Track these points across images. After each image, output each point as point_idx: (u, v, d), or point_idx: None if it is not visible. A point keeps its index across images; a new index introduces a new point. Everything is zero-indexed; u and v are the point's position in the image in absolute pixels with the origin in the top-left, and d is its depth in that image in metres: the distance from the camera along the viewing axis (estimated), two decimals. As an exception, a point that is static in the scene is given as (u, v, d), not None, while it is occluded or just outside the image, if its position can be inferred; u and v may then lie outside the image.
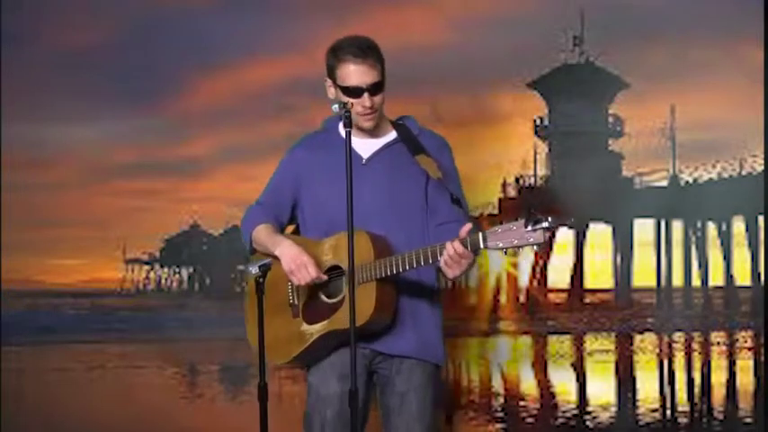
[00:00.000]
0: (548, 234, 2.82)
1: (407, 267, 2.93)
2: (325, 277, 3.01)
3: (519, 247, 2.81)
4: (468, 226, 2.88)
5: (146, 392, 11.69)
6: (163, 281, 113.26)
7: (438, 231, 3.07)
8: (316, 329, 3.02)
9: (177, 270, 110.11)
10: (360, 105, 3.00)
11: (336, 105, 2.91)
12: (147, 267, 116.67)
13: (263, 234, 3.12)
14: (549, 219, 2.78)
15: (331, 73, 3.03)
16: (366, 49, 2.99)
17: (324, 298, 3.04)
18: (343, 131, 3.11)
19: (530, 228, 2.77)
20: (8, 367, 14.48)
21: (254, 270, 2.93)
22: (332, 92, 3.06)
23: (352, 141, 3.05)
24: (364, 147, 3.11)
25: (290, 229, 3.24)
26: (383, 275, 2.94)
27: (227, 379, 12.88)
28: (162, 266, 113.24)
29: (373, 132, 3.11)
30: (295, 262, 2.99)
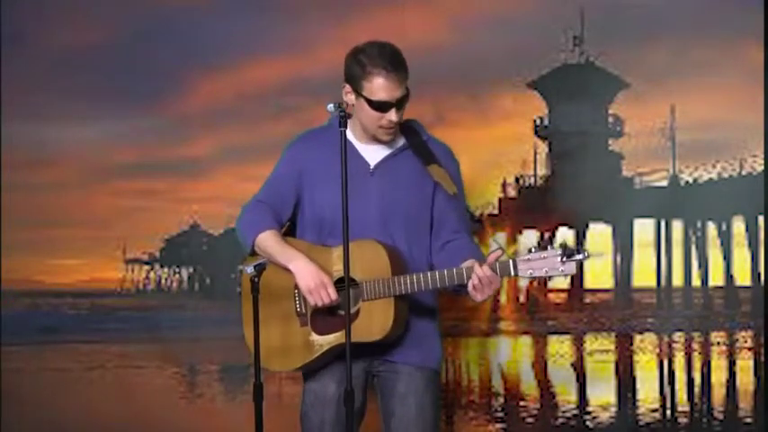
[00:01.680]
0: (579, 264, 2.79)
1: (431, 287, 2.87)
2: (339, 299, 2.92)
3: (550, 276, 2.78)
4: (499, 252, 2.82)
5: (146, 392, 11.68)
6: (163, 281, 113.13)
7: (447, 249, 3.00)
8: (327, 341, 2.94)
9: (177, 270, 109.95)
10: (386, 119, 2.90)
11: (331, 105, 2.80)
12: (147, 267, 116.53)
13: (271, 242, 2.98)
14: (586, 251, 2.77)
15: (354, 80, 2.90)
16: (398, 64, 2.87)
17: (336, 309, 2.97)
18: (349, 132, 3.01)
19: (564, 259, 2.76)
20: (8, 367, 14.47)
21: (249, 269, 2.87)
22: (351, 98, 2.93)
23: (360, 147, 2.98)
24: (372, 153, 2.99)
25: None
26: (402, 293, 2.87)
27: (226, 379, 12.89)
28: (162, 266, 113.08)
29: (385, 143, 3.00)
30: (314, 281, 2.89)
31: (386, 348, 2.98)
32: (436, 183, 2.98)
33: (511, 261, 2.80)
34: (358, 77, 2.88)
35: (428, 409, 3.01)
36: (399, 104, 2.89)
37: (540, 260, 2.78)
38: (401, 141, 3.02)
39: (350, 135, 3.02)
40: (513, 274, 2.80)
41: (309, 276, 2.90)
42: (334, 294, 2.89)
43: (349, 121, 2.98)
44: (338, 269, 2.93)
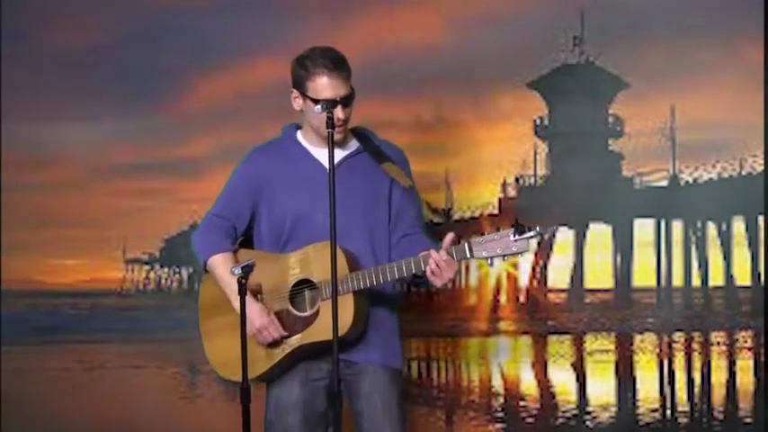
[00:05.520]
0: (533, 242, 2.86)
1: (389, 278, 2.93)
2: (285, 333, 2.98)
3: (504, 256, 2.85)
4: (451, 236, 2.90)
5: (146, 392, 11.69)
6: (163, 281, 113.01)
7: (403, 243, 3.07)
8: (289, 344, 2.98)
9: (177, 270, 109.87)
10: (333, 118, 2.96)
11: (319, 107, 2.88)
12: (147, 267, 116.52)
13: (220, 270, 3.05)
14: (537, 228, 2.82)
15: (300, 84, 3.00)
16: (339, 62, 2.97)
17: (293, 311, 2.99)
18: (302, 139, 3.11)
19: (516, 237, 2.81)
20: (8, 367, 14.46)
21: (236, 270, 2.87)
22: (299, 103, 3.03)
23: (314, 151, 3.06)
24: (327, 157, 3.00)
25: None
26: (362, 287, 2.93)
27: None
28: (162, 266, 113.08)
29: (337, 143, 3.05)
30: (259, 322, 2.96)
31: (348, 349, 3.00)
32: (392, 178, 3.06)
33: (466, 243, 2.88)
34: (303, 80, 2.99)
35: (394, 406, 3.06)
36: (345, 102, 2.97)
37: (494, 241, 2.85)
38: (355, 145, 3.10)
39: (303, 141, 3.12)
40: (468, 256, 2.88)
41: (253, 318, 2.96)
42: (277, 333, 2.96)
43: (301, 128, 3.11)
44: (294, 273, 2.98)
